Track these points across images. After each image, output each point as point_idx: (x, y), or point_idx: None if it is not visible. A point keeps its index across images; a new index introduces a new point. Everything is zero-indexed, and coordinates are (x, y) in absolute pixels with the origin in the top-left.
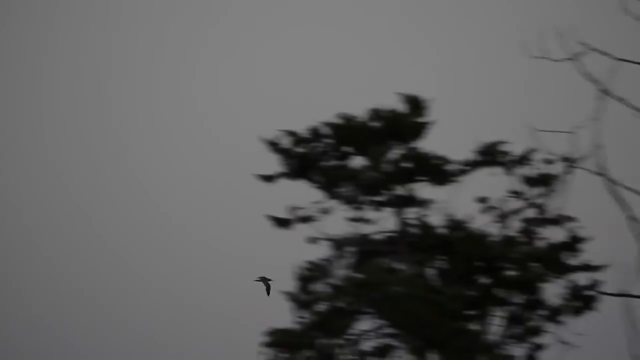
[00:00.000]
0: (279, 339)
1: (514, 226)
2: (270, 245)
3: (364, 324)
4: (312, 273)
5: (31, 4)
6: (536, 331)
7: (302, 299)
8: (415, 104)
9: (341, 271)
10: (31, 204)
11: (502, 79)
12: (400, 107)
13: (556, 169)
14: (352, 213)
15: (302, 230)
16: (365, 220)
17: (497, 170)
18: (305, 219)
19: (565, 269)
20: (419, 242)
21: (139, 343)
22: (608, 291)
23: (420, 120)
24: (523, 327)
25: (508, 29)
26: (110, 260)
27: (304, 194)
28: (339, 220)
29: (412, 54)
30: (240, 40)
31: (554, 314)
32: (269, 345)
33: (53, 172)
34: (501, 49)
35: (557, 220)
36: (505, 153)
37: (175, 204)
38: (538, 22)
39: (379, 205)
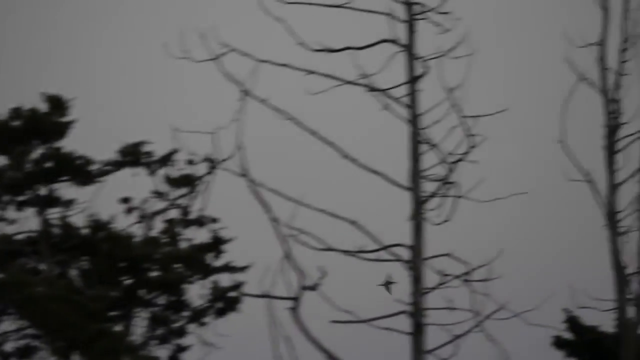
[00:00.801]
0: None
1: (157, 227)
2: None
3: (6, 325)
4: None
5: None
6: (180, 332)
7: None
8: (57, 104)
9: None
10: None
11: (145, 80)
12: (42, 106)
13: (199, 169)
14: None
15: None
16: (7, 220)
17: (140, 171)
18: None
19: (208, 270)
20: (61, 242)
21: None
22: (251, 292)
23: (62, 119)
24: (167, 328)
25: (149, 29)
26: None
27: None
28: None
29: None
30: None
31: (198, 315)
32: None
33: None
34: (143, 49)
35: (200, 221)
36: (148, 153)
37: None
38: (178, 21)
39: (21, 205)
